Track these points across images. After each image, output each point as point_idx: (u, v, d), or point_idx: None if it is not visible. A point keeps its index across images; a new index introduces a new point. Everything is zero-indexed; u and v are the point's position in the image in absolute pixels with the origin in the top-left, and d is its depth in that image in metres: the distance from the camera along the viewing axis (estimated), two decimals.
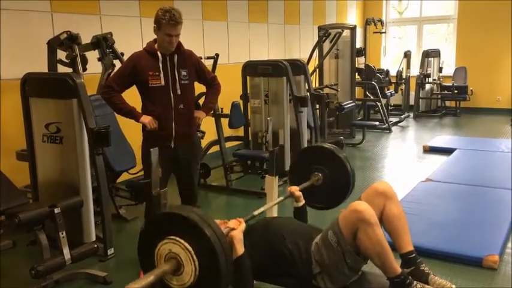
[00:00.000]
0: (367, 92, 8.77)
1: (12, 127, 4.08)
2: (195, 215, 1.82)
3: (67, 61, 4.13)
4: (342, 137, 6.72)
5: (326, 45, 7.62)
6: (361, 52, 8.55)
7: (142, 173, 3.44)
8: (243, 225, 2.25)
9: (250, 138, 5.55)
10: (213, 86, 3.40)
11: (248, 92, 5.49)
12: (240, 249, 2.18)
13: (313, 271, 2.22)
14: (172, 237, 1.81)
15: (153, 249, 1.87)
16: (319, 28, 7.71)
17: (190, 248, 1.78)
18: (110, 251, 3.48)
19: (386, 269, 2.12)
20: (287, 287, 2.43)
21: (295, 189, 2.78)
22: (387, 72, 9.24)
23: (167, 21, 2.92)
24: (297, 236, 2.33)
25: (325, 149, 3.06)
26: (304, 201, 2.79)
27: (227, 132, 5.55)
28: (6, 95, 4.11)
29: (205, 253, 1.77)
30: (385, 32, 10.33)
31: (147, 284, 1.72)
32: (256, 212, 2.49)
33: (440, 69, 9.86)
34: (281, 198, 2.83)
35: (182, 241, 1.79)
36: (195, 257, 1.78)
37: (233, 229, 2.20)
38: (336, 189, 2.96)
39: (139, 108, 3.19)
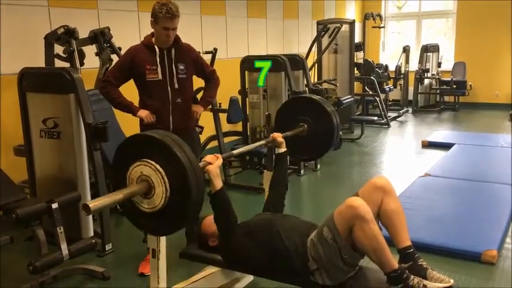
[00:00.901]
0: (365, 87, 8.76)
1: (10, 122, 4.06)
2: (169, 138, 1.82)
3: (64, 56, 4.11)
4: (340, 132, 6.71)
5: (325, 40, 7.60)
6: (360, 47, 8.53)
7: None
8: (220, 161, 2.27)
9: (248, 133, 5.54)
10: (211, 80, 3.38)
11: (246, 87, 5.47)
12: (217, 183, 2.21)
13: (310, 267, 2.21)
14: (144, 159, 1.80)
15: (125, 173, 1.86)
16: (318, 23, 7.69)
17: (161, 170, 1.77)
18: (108, 247, 3.48)
19: (383, 264, 2.11)
20: (286, 283, 2.43)
21: (278, 136, 2.81)
22: (386, 67, 9.22)
23: (164, 15, 2.90)
24: (294, 232, 2.32)
25: (312, 100, 3.06)
26: (286, 149, 2.82)
27: (225, 127, 5.54)
28: (2, 90, 4.09)
29: (176, 175, 1.76)
30: (384, 27, 10.30)
31: (114, 201, 1.72)
32: (235, 151, 2.55)
33: (439, 64, 9.85)
34: (262, 142, 2.84)
35: (153, 163, 1.78)
36: (165, 179, 1.77)
37: (210, 163, 2.21)
38: (320, 142, 2.98)
39: (136, 103, 3.17)
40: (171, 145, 1.78)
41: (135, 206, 1.87)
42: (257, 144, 2.84)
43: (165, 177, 1.77)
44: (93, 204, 1.64)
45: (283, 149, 2.81)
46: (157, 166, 1.77)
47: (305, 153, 3.09)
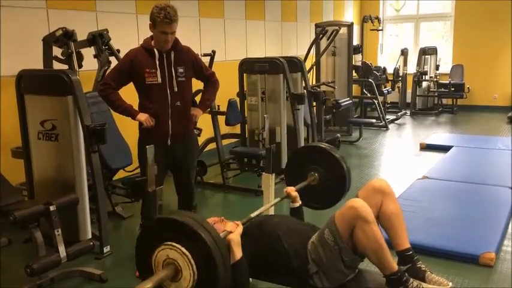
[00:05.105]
0: (364, 90, 8.77)
1: (8, 124, 4.05)
2: (191, 219, 1.81)
3: (63, 58, 4.10)
4: (338, 135, 6.73)
5: (323, 43, 7.61)
6: (358, 49, 8.55)
7: (139, 170, 3.42)
8: (241, 228, 2.24)
9: (246, 136, 5.54)
10: (211, 83, 3.38)
11: (245, 89, 5.47)
12: (238, 253, 2.17)
13: (310, 271, 2.21)
14: (169, 243, 1.80)
15: (151, 255, 1.86)
16: (316, 25, 7.70)
17: (187, 253, 1.76)
18: (106, 249, 3.47)
19: (383, 266, 2.11)
20: (284, 286, 2.43)
21: (292, 190, 2.76)
22: (384, 69, 9.25)
23: (162, 19, 2.90)
24: (293, 235, 2.32)
25: (321, 148, 3.06)
26: (300, 202, 2.77)
27: (224, 129, 5.53)
28: (0, 91, 4.08)
29: (202, 257, 1.76)
30: (382, 30, 10.33)
31: None
32: (253, 214, 2.47)
33: (437, 67, 9.87)
34: (278, 199, 2.82)
35: (179, 246, 1.78)
36: (192, 262, 1.76)
37: (230, 232, 2.19)
38: (332, 189, 2.95)
39: (136, 106, 3.17)
40: (195, 226, 1.78)
41: None
42: (272, 203, 2.81)
43: (192, 260, 1.76)
44: None
45: (297, 203, 2.77)
46: (183, 249, 1.77)
47: (318, 201, 3.03)
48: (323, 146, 3.08)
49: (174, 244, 1.79)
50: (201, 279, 1.77)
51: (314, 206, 3.04)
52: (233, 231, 2.19)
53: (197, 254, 1.76)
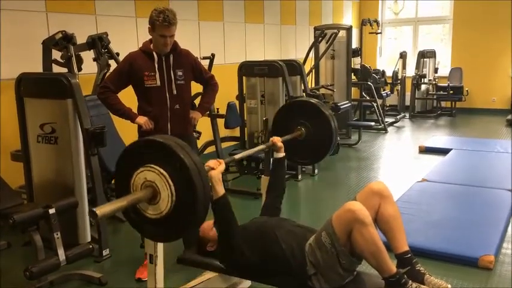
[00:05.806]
0: (363, 93, 8.78)
1: (7, 127, 4.06)
2: (171, 141, 1.79)
3: (62, 61, 4.12)
4: (337, 137, 6.73)
5: (322, 46, 7.63)
6: (357, 52, 8.55)
7: None
8: (223, 166, 2.23)
9: (246, 139, 5.54)
10: (210, 85, 3.39)
11: (244, 92, 5.48)
12: (220, 190, 2.17)
13: (308, 272, 2.21)
14: (147, 164, 1.77)
15: (129, 180, 1.82)
16: (315, 29, 7.72)
17: (165, 173, 1.73)
18: (105, 252, 3.47)
19: (381, 268, 2.11)
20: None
21: (278, 140, 2.80)
22: (383, 72, 9.26)
23: (161, 23, 2.91)
24: (291, 236, 2.32)
25: (310, 103, 3.06)
26: (284, 153, 2.81)
27: (223, 132, 5.54)
28: (0, 94, 4.09)
29: (181, 177, 1.72)
30: (380, 33, 10.36)
31: (117, 209, 1.67)
32: (237, 156, 2.51)
33: (435, 70, 9.89)
34: (263, 146, 2.84)
35: (157, 167, 1.74)
36: (170, 182, 1.72)
37: (212, 169, 2.18)
38: (318, 145, 2.99)
39: (135, 109, 3.18)
40: (174, 148, 1.75)
41: (140, 214, 1.82)
42: (257, 148, 2.83)
43: (170, 181, 1.72)
44: (100, 210, 1.63)
45: (281, 154, 2.81)
46: (161, 170, 1.73)
47: (303, 157, 3.09)
48: (313, 101, 3.09)
49: (152, 165, 1.75)
50: (180, 202, 1.73)
51: (299, 161, 3.06)
52: (215, 168, 2.18)
53: (176, 175, 1.72)
